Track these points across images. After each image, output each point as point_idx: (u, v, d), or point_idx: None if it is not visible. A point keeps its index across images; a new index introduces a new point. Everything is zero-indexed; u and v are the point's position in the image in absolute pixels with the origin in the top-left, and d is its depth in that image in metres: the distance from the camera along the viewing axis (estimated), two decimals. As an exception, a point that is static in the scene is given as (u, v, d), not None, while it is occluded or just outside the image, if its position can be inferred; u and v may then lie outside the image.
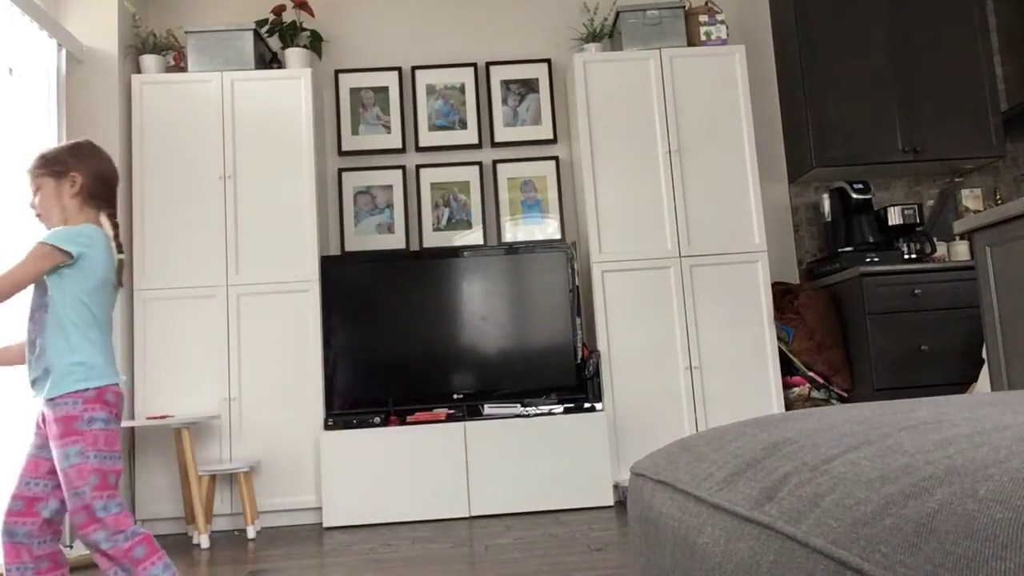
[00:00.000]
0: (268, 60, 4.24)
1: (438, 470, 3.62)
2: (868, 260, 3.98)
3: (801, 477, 0.69)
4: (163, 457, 3.69)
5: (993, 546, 0.45)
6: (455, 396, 3.86)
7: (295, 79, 3.98)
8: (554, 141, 4.41)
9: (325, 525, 3.59)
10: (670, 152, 4.01)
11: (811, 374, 3.92)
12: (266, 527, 3.71)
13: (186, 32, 4.02)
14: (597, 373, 3.83)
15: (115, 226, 1.94)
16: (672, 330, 3.90)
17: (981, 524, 0.47)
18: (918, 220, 4.17)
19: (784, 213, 4.48)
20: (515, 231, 4.33)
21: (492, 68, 4.44)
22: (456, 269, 3.98)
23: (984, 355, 2.78)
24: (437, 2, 4.52)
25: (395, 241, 4.30)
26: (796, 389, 3.94)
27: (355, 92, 4.40)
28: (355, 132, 4.37)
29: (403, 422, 3.72)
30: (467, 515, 3.62)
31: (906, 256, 4.10)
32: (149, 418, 3.57)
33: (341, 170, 4.33)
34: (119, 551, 1.73)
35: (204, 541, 3.33)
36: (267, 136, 3.91)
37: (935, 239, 4.22)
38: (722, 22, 4.18)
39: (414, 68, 4.43)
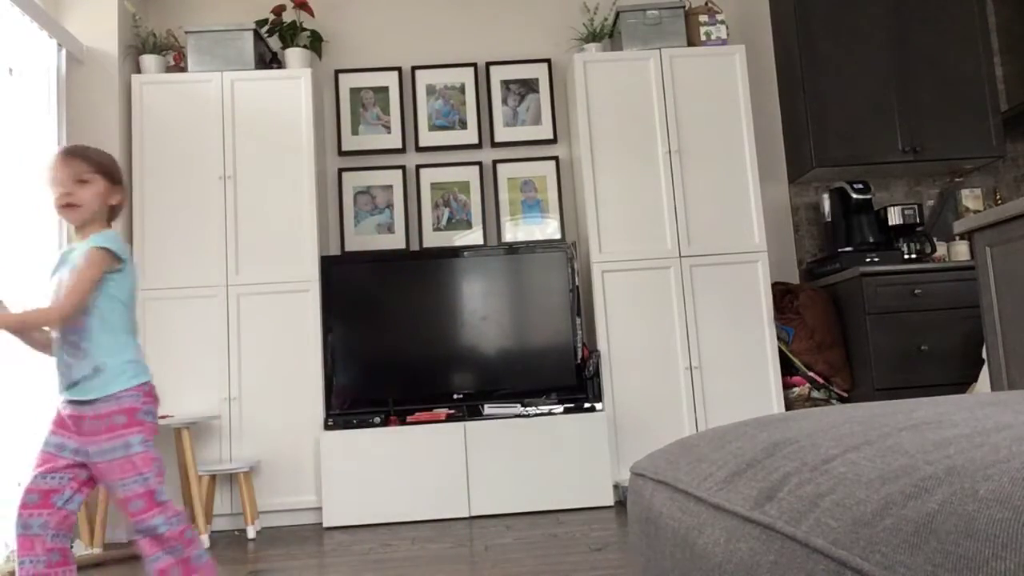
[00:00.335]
0: (268, 60, 4.23)
1: (438, 470, 3.62)
2: (868, 260, 3.98)
3: (801, 477, 0.69)
4: (163, 457, 3.68)
5: (993, 546, 0.45)
6: (455, 396, 3.86)
7: (295, 79, 3.98)
8: (554, 141, 4.41)
9: (325, 525, 3.59)
10: (670, 152, 4.00)
11: (811, 374, 3.92)
12: (266, 527, 3.71)
13: (186, 32, 4.02)
14: (597, 373, 3.83)
15: None
16: (672, 330, 3.90)
17: (981, 524, 0.47)
18: (918, 220, 4.17)
19: (784, 213, 4.48)
20: (515, 231, 4.33)
21: (492, 68, 4.44)
22: (456, 269, 3.98)
23: (984, 355, 2.78)
24: (437, 2, 4.52)
25: (395, 241, 4.30)
26: (796, 389, 3.94)
27: (355, 92, 4.40)
28: (355, 132, 4.37)
29: (403, 422, 3.72)
30: (467, 515, 3.62)
31: (906, 256, 4.10)
32: (149, 418, 3.57)
33: (341, 170, 4.34)
34: (175, 533, 1.85)
35: (204, 541, 3.33)
36: (267, 136, 3.91)
37: (935, 239, 4.22)
38: (722, 22, 4.18)
39: (414, 68, 4.43)
